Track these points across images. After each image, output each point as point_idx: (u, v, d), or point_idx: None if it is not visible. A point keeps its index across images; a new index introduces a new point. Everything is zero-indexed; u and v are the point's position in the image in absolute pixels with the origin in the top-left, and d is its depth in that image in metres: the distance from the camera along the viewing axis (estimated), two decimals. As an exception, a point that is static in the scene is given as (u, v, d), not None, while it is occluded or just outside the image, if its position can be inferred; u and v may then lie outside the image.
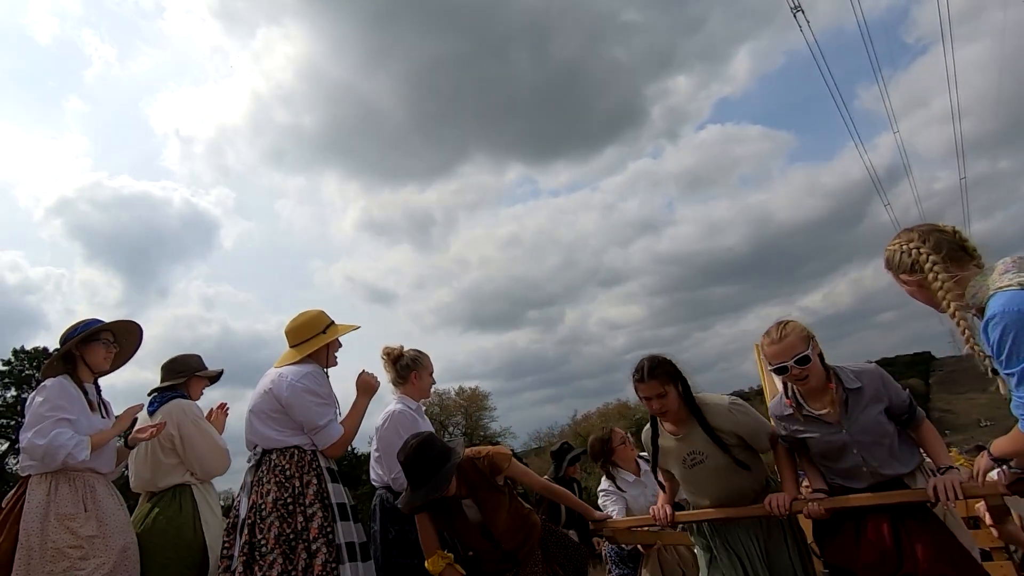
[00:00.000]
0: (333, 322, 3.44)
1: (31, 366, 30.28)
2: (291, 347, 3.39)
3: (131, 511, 3.39)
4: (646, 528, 3.44)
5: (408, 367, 3.71)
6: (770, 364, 2.73)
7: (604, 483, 4.96)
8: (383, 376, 3.70)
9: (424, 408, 3.84)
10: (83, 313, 55.60)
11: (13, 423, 29.34)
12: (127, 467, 3.58)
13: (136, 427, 3.37)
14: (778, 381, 2.92)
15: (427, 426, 3.62)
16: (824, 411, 2.70)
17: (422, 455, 2.81)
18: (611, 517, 3.50)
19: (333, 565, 2.94)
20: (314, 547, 2.96)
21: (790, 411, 2.81)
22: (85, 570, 2.88)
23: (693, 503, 3.12)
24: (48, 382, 3.09)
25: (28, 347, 31.04)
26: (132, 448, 3.41)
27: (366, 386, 3.49)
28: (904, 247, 2.31)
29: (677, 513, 3.10)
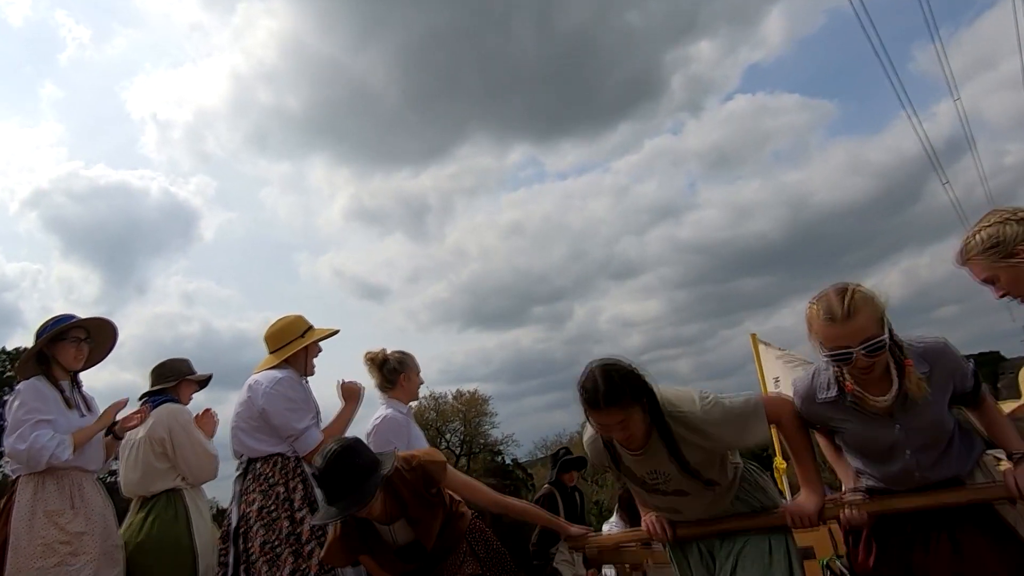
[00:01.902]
0: (312, 326, 3.59)
1: (13, 367, 30.56)
2: (270, 353, 3.54)
3: (120, 513, 3.56)
4: (638, 545, 3.04)
5: (395, 370, 3.77)
6: (824, 348, 2.19)
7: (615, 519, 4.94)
8: (368, 382, 3.81)
9: (413, 412, 3.93)
10: (60, 310, 55.32)
11: (-5, 426, 29.64)
12: (116, 460, 3.75)
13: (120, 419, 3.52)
14: (822, 365, 2.35)
15: (418, 431, 3.75)
16: (883, 400, 2.19)
17: (342, 463, 2.55)
18: (591, 531, 3.07)
19: (329, 567, 3.05)
20: (307, 549, 3.11)
21: (834, 395, 2.29)
22: (75, 566, 3.07)
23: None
24: (21, 385, 3.25)
25: (5, 347, 31.52)
26: (120, 439, 3.56)
27: (350, 393, 3.59)
28: (1015, 222, 2.11)
29: (679, 528, 2.58)
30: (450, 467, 2.80)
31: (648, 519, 2.65)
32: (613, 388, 2.21)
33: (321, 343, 3.62)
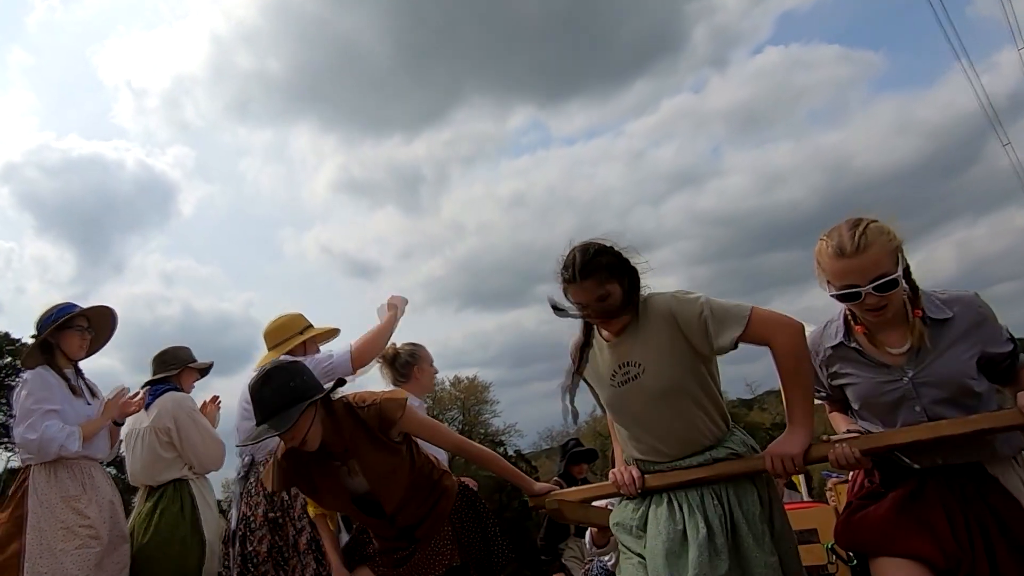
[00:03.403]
0: (311, 324, 3.76)
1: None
2: (268, 350, 3.69)
3: (126, 502, 3.75)
4: (606, 503, 2.87)
5: (408, 363, 3.88)
6: (833, 285, 2.13)
7: None
8: (382, 380, 3.91)
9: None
10: (35, 291, 56.07)
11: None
12: (121, 446, 3.92)
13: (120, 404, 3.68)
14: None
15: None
16: (898, 350, 2.13)
17: (273, 382, 2.45)
18: (557, 488, 2.86)
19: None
20: (305, 560, 3.26)
21: (838, 341, 2.24)
22: (96, 549, 3.29)
23: (625, 451, 2.52)
24: (28, 374, 3.44)
25: (-17, 329, 31.76)
26: (121, 425, 3.74)
27: (395, 303, 3.73)
28: None
29: (649, 476, 2.38)
30: (410, 406, 2.67)
31: (615, 469, 2.50)
32: (590, 260, 2.26)
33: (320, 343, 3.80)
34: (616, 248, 2.32)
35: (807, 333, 2.29)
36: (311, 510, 2.86)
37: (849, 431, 2.21)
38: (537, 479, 2.79)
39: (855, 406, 2.26)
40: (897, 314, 2.12)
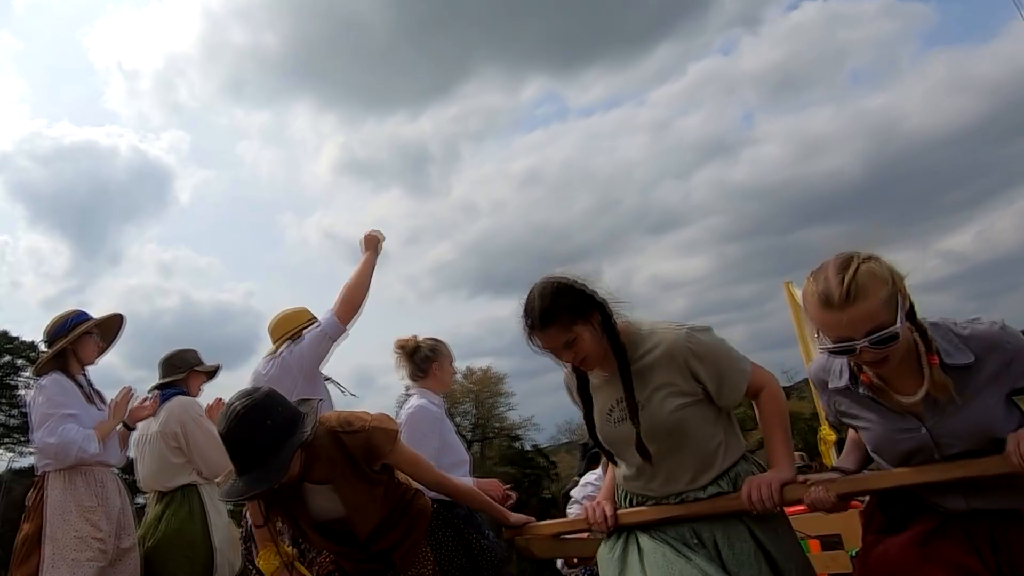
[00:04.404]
0: (315, 317, 3.82)
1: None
2: (273, 343, 3.79)
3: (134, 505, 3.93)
4: (584, 535, 2.73)
5: (428, 358, 3.84)
6: (822, 339, 1.95)
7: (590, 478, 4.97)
8: (398, 372, 3.90)
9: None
10: (30, 285, 56.75)
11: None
12: (131, 453, 4.10)
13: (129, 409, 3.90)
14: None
15: (449, 425, 3.85)
16: (910, 399, 1.94)
17: (251, 425, 2.27)
18: (533, 520, 2.84)
19: None
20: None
21: (845, 383, 2.07)
22: (101, 564, 3.45)
23: (624, 486, 2.45)
24: (45, 380, 3.62)
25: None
26: (132, 430, 3.93)
27: (370, 240, 3.83)
28: None
29: (621, 512, 2.37)
30: (400, 441, 2.59)
31: (588, 504, 2.47)
32: (551, 305, 2.17)
33: None
34: (579, 284, 2.23)
35: (812, 363, 2.26)
36: (261, 564, 2.71)
37: (835, 467, 2.18)
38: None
39: (869, 448, 2.14)
40: (906, 359, 1.91)
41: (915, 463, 1.98)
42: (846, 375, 2.07)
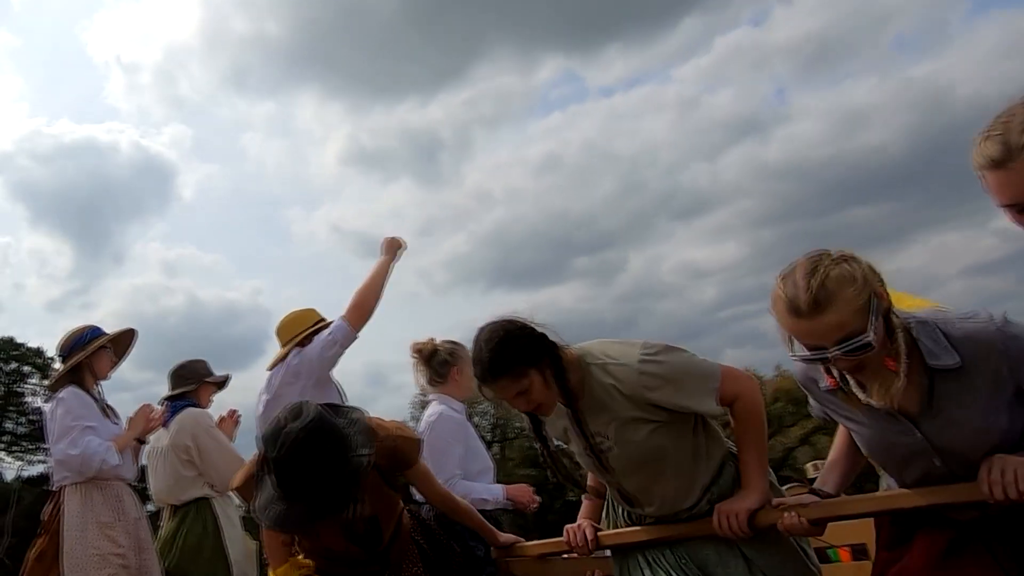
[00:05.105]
0: (324, 319, 3.81)
1: (0, 359, 31.61)
2: (281, 346, 3.79)
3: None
4: (568, 555, 2.73)
5: (446, 363, 3.77)
6: (794, 347, 1.88)
7: None
8: (418, 378, 3.87)
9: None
10: (34, 287, 57.11)
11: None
12: (144, 467, 4.19)
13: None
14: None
15: (473, 432, 3.84)
16: (882, 405, 1.86)
17: (314, 449, 2.18)
18: (520, 541, 2.90)
19: None
20: None
21: (829, 385, 2.02)
22: None
23: (609, 493, 2.51)
24: (64, 393, 3.70)
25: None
26: (144, 443, 3.98)
27: (391, 244, 3.83)
28: None
29: (602, 534, 2.43)
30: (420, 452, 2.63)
31: (568, 525, 2.52)
32: (500, 356, 2.17)
33: None
34: (527, 329, 2.23)
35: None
36: None
37: (812, 489, 2.13)
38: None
39: (863, 451, 2.08)
40: (881, 365, 1.82)
41: (915, 468, 1.93)
42: (827, 378, 2.01)
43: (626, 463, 2.24)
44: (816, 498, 2.06)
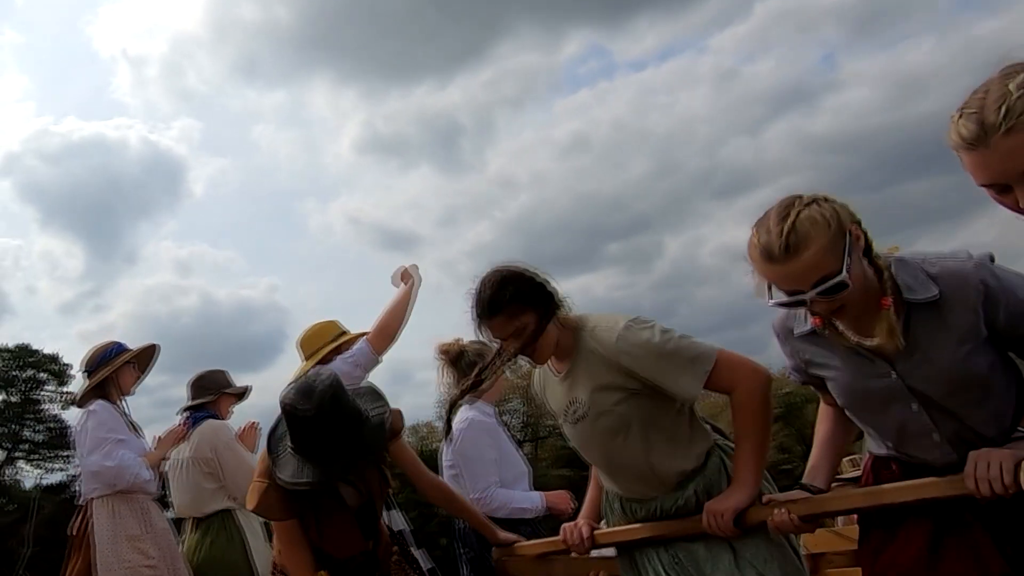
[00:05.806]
0: (346, 331, 3.90)
1: (16, 366, 32.04)
2: (304, 360, 3.86)
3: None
4: (571, 553, 2.72)
5: (474, 365, 3.46)
6: (775, 292, 1.91)
7: None
8: (442, 380, 3.80)
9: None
10: (46, 291, 58.06)
11: (5, 430, 31.38)
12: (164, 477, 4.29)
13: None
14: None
15: (505, 436, 3.80)
16: (874, 342, 1.88)
17: (345, 401, 2.48)
18: (520, 540, 2.96)
19: None
20: None
21: (809, 328, 2.01)
22: None
23: (606, 485, 2.55)
24: (95, 405, 3.88)
25: (-4, 338, 33.16)
26: (165, 459, 4.14)
27: (405, 275, 3.88)
28: None
29: (598, 533, 2.48)
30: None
31: (566, 524, 2.59)
32: (498, 293, 2.29)
33: None
34: (528, 273, 2.35)
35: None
36: None
37: (801, 484, 2.13)
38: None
39: (840, 403, 2.08)
40: (866, 301, 1.85)
41: (892, 416, 1.95)
42: (811, 320, 2.02)
43: (590, 432, 2.33)
44: (806, 494, 2.09)
